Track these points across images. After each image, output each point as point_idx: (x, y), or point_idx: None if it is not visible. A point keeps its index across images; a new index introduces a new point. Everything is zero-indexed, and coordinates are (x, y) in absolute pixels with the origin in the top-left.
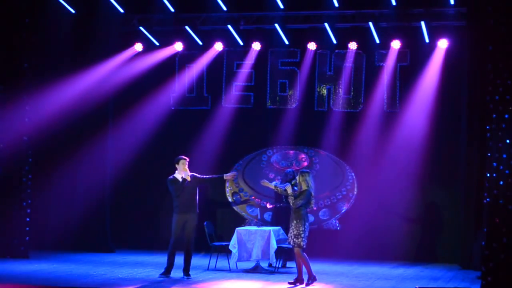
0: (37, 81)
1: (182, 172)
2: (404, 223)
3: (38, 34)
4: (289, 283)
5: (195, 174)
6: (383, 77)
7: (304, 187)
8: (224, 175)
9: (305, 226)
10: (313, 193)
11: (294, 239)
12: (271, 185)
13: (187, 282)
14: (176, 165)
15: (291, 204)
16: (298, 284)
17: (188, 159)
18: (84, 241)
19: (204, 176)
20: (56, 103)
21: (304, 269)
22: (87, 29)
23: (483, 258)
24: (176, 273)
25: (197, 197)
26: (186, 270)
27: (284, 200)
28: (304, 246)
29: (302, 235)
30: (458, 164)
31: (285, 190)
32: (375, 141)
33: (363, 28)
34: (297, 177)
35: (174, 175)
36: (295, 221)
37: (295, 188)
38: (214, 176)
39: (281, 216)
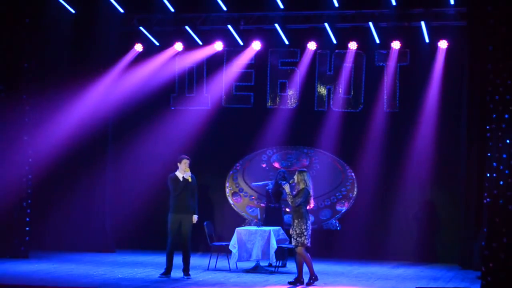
0: (37, 81)
1: (184, 172)
2: (404, 223)
3: (38, 34)
4: (289, 283)
5: (195, 181)
6: (383, 77)
7: (302, 185)
8: (194, 216)
9: (307, 225)
10: (311, 192)
11: (297, 238)
12: (288, 191)
13: (187, 282)
14: (178, 164)
15: (289, 203)
16: (298, 284)
17: (189, 159)
18: (84, 241)
19: (195, 193)
20: (56, 103)
21: (305, 269)
22: (87, 29)
23: (483, 258)
24: (176, 273)
25: (196, 199)
26: (186, 270)
27: (272, 201)
28: (309, 245)
29: (305, 234)
30: (458, 164)
31: (283, 188)
32: (375, 141)
33: (363, 28)
34: (295, 176)
35: (176, 173)
36: (296, 220)
37: (293, 184)
38: (195, 205)
39: (271, 216)
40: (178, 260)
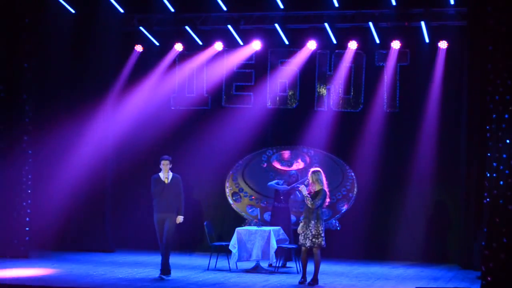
0: (37, 81)
1: (165, 173)
2: (404, 223)
3: (38, 34)
4: (301, 282)
5: (180, 182)
6: (383, 77)
7: (318, 186)
8: (179, 216)
9: (323, 226)
10: (327, 191)
11: (313, 240)
12: (305, 192)
13: (187, 282)
14: (160, 165)
15: (309, 205)
16: (306, 282)
17: (168, 160)
18: (84, 241)
19: (181, 193)
20: (56, 103)
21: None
22: (87, 29)
23: (483, 258)
24: (177, 273)
25: (180, 198)
26: (164, 270)
27: (282, 199)
28: (324, 246)
29: (322, 235)
30: (458, 164)
31: (300, 191)
32: (375, 141)
33: (363, 28)
34: (310, 177)
35: (159, 174)
36: (313, 221)
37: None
38: (180, 206)
39: (278, 216)
40: (174, 260)
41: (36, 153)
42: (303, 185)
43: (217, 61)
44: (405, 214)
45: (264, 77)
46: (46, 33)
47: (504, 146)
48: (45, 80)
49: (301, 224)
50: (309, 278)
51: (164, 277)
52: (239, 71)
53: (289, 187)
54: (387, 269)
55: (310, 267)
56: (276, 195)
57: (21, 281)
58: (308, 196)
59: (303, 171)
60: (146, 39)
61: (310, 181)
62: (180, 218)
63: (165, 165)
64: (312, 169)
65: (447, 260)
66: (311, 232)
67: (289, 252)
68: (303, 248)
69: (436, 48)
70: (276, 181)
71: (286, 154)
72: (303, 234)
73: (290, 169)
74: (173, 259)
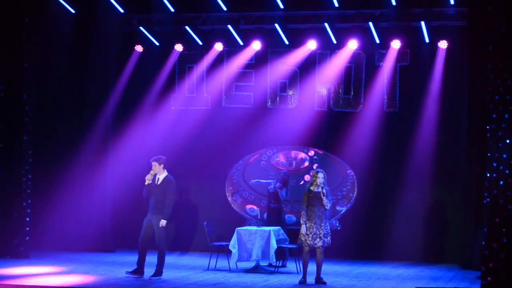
0: (37, 81)
1: (149, 174)
2: (404, 223)
3: (38, 34)
4: (301, 282)
5: (169, 184)
6: (383, 77)
7: (323, 185)
8: (162, 219)
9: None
10: None
11: (324, 239)
12: (324, 200)
13: (187, 282)
14: None
15: (328, 207)
16: (306, 283)
17: (153, 161)
18: (84, 241)
19: (169, 196)
20: (56, 103)
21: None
22: (87, 29)
23: (483, 258)
24: (176, 272)
25: (167, 201)
26: (156, 271)
27: (272, 201)
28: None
29: (330, 233)
30: (458, 164)
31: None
32: (375, 141)
33: (363, 28)
34: (323, 178)
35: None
36: (324, 220)
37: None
38: (164, 209)
39: (272, 217)
40: (174, 259)
41: (36, 153)
42: (320, 187)
43: (217, 61)
44: (405, 214)
45: (264, 77)
46: (46, 33)
47: (504, 146)
48: (45, 80)
49: (305, 226)
50: (309, 279)
51: (153, 278)
52: (239, 71)
53: (269, 185)
54: (387, 269)
55: (309, 267)
56: (268, 196)
57: (21, 281)
58: (324, 198)
59: (297, 172)
60: (146, 39)
61: (323, 181)
62: (162, 222)
63: (153, 165)
64: (316, 170)
65: (447, 260)
66: (321, 232)
67: (284, 252)
68: (306, 248)
69: (436, 48)
70: (267, 181)
71: (286, 154)
72: (311, 235)
73: (290, 169)
74: (173, 259)
